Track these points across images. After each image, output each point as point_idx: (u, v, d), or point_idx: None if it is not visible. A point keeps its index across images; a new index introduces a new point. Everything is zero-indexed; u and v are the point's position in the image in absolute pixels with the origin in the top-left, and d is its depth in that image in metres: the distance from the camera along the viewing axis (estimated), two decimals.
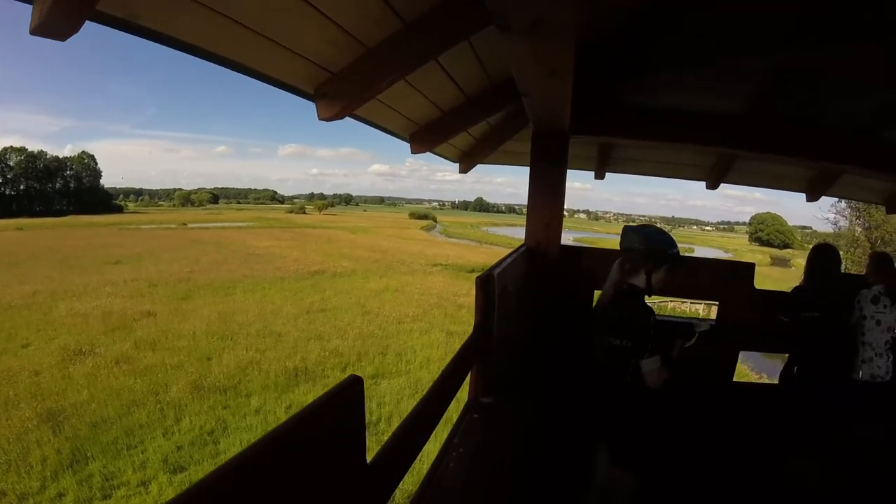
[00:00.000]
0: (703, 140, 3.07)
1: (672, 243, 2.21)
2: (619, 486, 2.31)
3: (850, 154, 3.18)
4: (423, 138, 3.03)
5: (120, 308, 16.52)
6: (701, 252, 58.18)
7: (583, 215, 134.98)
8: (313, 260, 29.32)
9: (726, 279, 3.18)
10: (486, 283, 1.68)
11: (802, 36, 2.11)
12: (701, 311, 18.05)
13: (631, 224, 2.29)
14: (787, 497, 2.89)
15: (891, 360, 2.96)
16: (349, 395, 0.80)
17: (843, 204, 33.63)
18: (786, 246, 64.36)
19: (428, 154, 3.74)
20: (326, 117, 2.03)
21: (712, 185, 3.91)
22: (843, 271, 3.14)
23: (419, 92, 2.53)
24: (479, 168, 4.04)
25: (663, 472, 2.86)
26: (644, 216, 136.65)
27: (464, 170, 3.75)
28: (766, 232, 68.14)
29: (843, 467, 2.99)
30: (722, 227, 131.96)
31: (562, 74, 1.73)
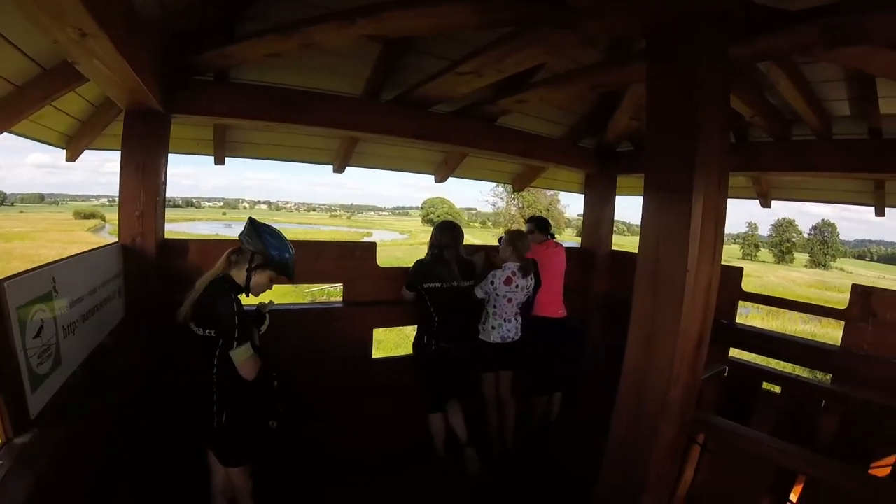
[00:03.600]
0: (320, 122, 3.15)
1: (284, 250, 2.30)
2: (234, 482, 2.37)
3: (470, 137, 3.67)
4: None
5: None
6: (378, 235, 63.14)
7: (264, 206, 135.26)
8: None
9: (349, 260, 3.44)
10: None
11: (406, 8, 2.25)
12: None
13: (259, 222, 2.31)
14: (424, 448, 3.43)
15: (519, 323, 3.64)
16: None
17: (501, 188, 43.32)
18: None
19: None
20: None
21: (338, 169, 4.12)
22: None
23: None
24: None
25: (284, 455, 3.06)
26: (325, 204, 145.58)
27: (70, 157, 3.18)
28: (437, 214, 78.28)
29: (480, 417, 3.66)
30: (398, 211, 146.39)
31: (97, 37, 1.55)
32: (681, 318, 1.81)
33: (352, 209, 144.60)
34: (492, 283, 3.47)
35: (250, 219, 2.29)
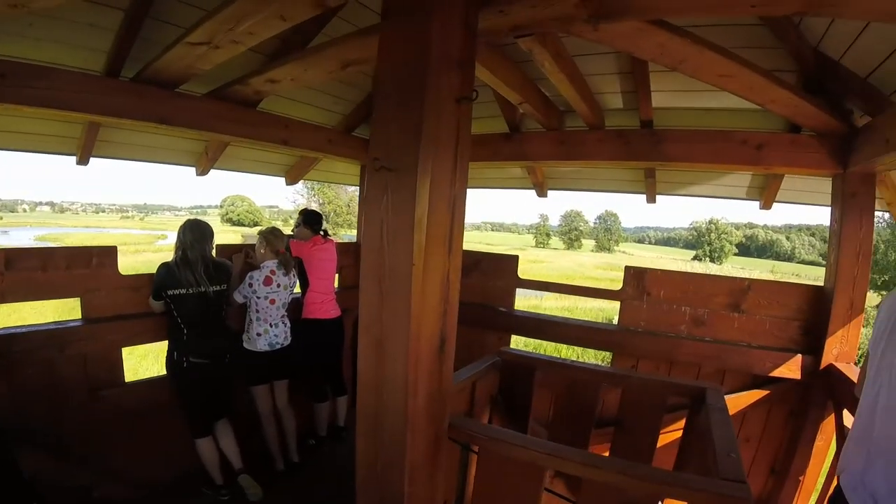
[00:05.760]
0: (41, 101, 2.58)
1: None
2: None
3: (224, 123, 3.22)
4: None
5: None
6: (174, 237, 60.41)
7: (47, 208, 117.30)
8: None
9: (85, 269, 2.89)
10: None
11: None
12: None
13: None
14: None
15: (287, 327, 3.33)
16: None
17: (301, 185, 43.63)
18: (256, 224, 73.32)
19: None
20: None
21: (81, 160, 3.42)
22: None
23: None
24: None
25: None
26: (116, 204, 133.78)
27: None
28: (237, 213, 77.63)
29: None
30: (195, 210, 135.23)
31: None
32: (411, 318, 1.55)
33: (145, 209, 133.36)
34: (250, 284, 3.14)
35: None
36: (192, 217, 3.40)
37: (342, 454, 3.64)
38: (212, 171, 4.05)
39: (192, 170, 4.02)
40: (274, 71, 2.77)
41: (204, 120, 3.11)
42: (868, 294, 3.38)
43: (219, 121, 3.18)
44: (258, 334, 3.21)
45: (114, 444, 2.91)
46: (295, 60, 2.66)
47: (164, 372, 3.04)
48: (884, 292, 23.48)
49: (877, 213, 3.19)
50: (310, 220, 3.73)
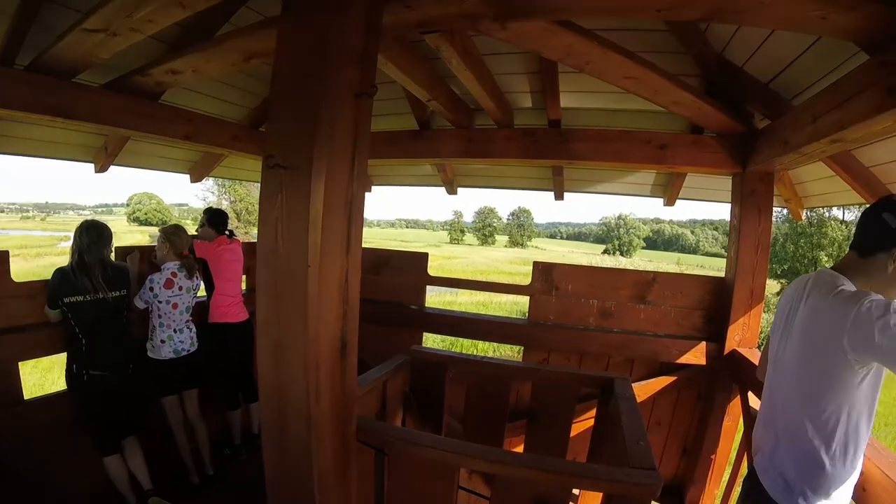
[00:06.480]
0: None
1: None
2: None
3: (124, 116, 3.02)
4: None
5: None
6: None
7: None
8: None
9: None
10: None
11: None
12: None
13: None
14: None
15: (193, 332, 3.18)
16: None
17: (212, 182, 42.00)
18: (165, 223, 73.29)
19: None
20: None
21: None
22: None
23: None
24: None
25: None
26: (15, 203, 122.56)
27: None
28: (144, 211, 74.79)
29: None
30: (101, 209, 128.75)
31: None
32: (308, 321, 1.49)
33: (47, 208, 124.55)
34: (150, 288, 2.99)
35: None
36: (92, 217, 3.16)
37: (258, 462, 3.52)
38: (117, 168, 3.81)
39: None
40: (175, 61, 2.63)
41: (102, 112, 2.90)
42: (768, 282, 3.61)
43: (118, 113, 2.98)
44: (162, 341, 3.06)
45: (18, 468, 2.68)
46: (197, 51, 2.53)
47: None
48: (783, 280, 25.51)
49: (776, 209, 3.41)
50: (214, 219, 3.59)
